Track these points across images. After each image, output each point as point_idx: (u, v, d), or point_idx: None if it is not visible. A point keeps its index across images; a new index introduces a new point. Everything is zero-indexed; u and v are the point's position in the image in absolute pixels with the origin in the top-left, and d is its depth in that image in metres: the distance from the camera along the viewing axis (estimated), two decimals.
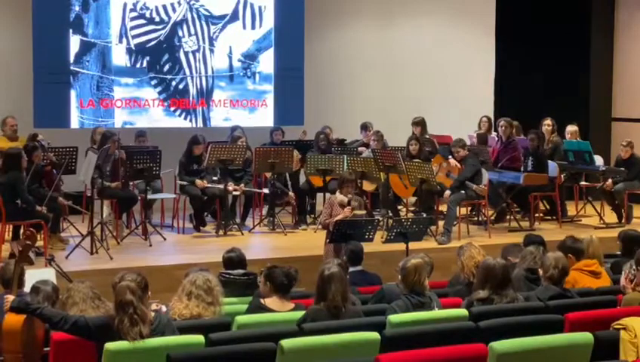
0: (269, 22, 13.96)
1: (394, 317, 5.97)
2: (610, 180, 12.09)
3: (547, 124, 12.67)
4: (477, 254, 7.21)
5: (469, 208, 12.18)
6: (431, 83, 14.79)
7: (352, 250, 8.24)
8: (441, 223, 11.10)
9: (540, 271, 6.84)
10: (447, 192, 11.08)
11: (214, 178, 11.35)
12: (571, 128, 12.78)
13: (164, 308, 6.16)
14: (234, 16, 13.76)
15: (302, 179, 12.26)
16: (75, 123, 13.00)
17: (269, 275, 6.41)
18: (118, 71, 13.15)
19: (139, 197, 11.00)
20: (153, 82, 13.38)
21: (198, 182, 11.15)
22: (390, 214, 11.38)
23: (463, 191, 11.06)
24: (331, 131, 12.83)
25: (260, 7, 13.90)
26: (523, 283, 7.09)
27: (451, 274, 8.12)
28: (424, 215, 10.71)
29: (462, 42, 15.08)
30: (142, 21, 13.26)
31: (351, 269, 7.74)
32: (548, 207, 12.66)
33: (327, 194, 10.87)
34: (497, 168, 11.87)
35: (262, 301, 6.35)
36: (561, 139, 12.65)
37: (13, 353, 5.61)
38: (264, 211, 12.01)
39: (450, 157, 11.48)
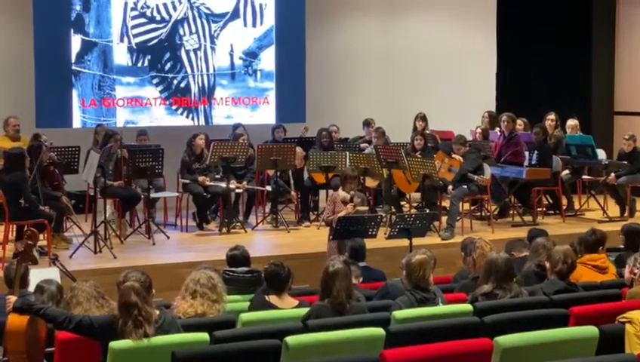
0: (269, 19, 13.95)
1: (398, 313, 5.96)
2: (613, 174, 12.07)
3: (550, 119, 12.64)
4: (489, 250, 7.09)
5: (472, 203, 12.15)
6: (433, 79, 14.77)
7: (353, 247, 8.24)
8: (444, 219, 11.09)
9: (547, 265, 6.79)
10: (451, 187, 11.07)
11: (217, 176, 11.34)
12: (572, 122, 12.77)
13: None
14: (235, 14, 13.76)
15: (306, 176, 12.25)
16: (77, 122, 13.00)
17: (264, 274, 6.51)
18: (119, 70, 13.15)
19: (142, 196, 11.00)
20: (155, 81, 13.38)
21: (201, 178, 11.15)
22: (393, 210, 11.38)
23: (465, 186, 11.04)
24: (338, 130, 12.81)
25: (260, 5, 13.89)
26: (533, 279, 7.00)
27: (455, 269, 8.11)
28: (427, 210, 10.71)
29: (463, 38, 15.07)
30: (143, 20, 13.25)
31: None
32: (551, 201, 12.63)
33: (330, 191, 10.86)
34: (500, 163, 11.84)
35: (266, 297, 6.36)
36: (563, 133, 12.63)
37: (18, 353, 5.60)
38: (267, 208, 12.01)
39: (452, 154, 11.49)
